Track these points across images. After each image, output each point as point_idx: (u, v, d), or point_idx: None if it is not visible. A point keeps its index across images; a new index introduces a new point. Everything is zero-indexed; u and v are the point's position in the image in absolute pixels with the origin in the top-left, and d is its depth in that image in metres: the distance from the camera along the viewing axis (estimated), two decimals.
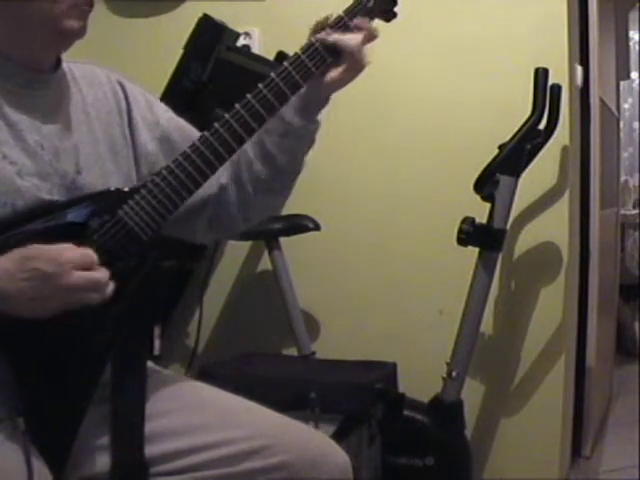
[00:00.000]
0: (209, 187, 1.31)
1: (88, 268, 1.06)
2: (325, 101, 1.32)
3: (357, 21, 1.27)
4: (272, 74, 1.23)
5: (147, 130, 1.34)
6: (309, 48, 1.25)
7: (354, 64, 1.27)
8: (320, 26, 1.28)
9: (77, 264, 1.05)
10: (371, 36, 1.28)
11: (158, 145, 1.34)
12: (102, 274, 1.07)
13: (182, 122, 1.40)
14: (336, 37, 1.25)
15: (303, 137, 1.32)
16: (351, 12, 1.27)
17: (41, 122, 1.19)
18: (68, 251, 1.06)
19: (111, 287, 1.08)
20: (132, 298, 1.17)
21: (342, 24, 1.27)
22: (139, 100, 1.35)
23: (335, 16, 1.27)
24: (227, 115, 1.21)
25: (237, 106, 1.22)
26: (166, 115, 1.39)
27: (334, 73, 1.28)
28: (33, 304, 1.04)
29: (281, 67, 1.24)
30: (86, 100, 1.28)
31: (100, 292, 1.07)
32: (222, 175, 1.34)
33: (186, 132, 1.36)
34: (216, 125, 1.21)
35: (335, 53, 1.26)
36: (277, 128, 1.30)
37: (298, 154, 1.34)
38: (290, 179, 1.37)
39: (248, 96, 1.22)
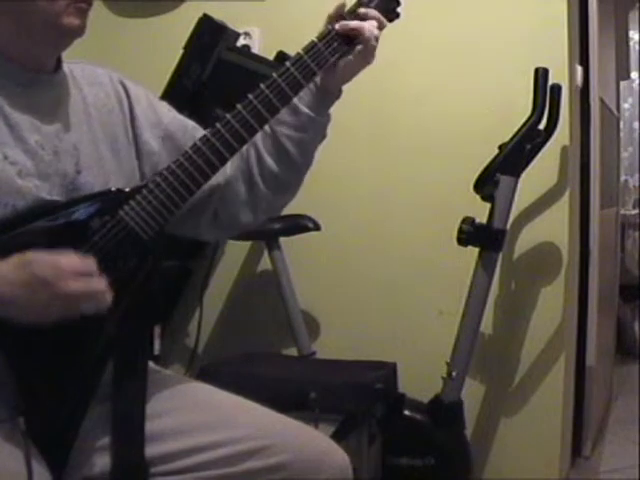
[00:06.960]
0: (215, 178, 1.28)
1: (88, 276, 1.05)
2: (338, 93, 1.33)
3: (364, 10, 1.27)
4: (287, 63, 1.23)
5: (150, 129, 1.33)
6: (327, 35, 1.25)
7: (368, 52, 1.27)
8: (335, 14, 1.28)
9: (76, 271, 1.04)
10: (381, 25, 1.29)
11: (161, 144, 1.34)
12: (101, 284, 1.06)
13: (186, 121, 1.39)
14: (356, 24, 1.25)
15: (317, 130, 1.33)
16: (353, 12, 1.27)
17: (41, 122, 1.19)
18: (67, 258, 1.05)
19: (110, 298, 1.06)
20: (133, 298, 1.17)
21: (356, 13, 1.27)
22: (141, 100, 1.35)
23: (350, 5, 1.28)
24: (228, 115, 1.21)
25: (239, 106, 1.22)
26: (170, 114, 1.38)
27: (346, 63, 1.28)
28: (31, 310, 1.03)
29: (295, 56, 1.24)
30: (87, 100, 1.28)
31: (98, 302, 1.05)
32: (228, 166, 1.31)
33: (189, 131, 1.35)
34: (218, 125, 1.21)
35: (349, 42, 1.26)
36: (291, 121, 1.30)
37: (310, 148, 1.34)
38: (301, 175, 1.37)
39: (250, 96, 1.22)
